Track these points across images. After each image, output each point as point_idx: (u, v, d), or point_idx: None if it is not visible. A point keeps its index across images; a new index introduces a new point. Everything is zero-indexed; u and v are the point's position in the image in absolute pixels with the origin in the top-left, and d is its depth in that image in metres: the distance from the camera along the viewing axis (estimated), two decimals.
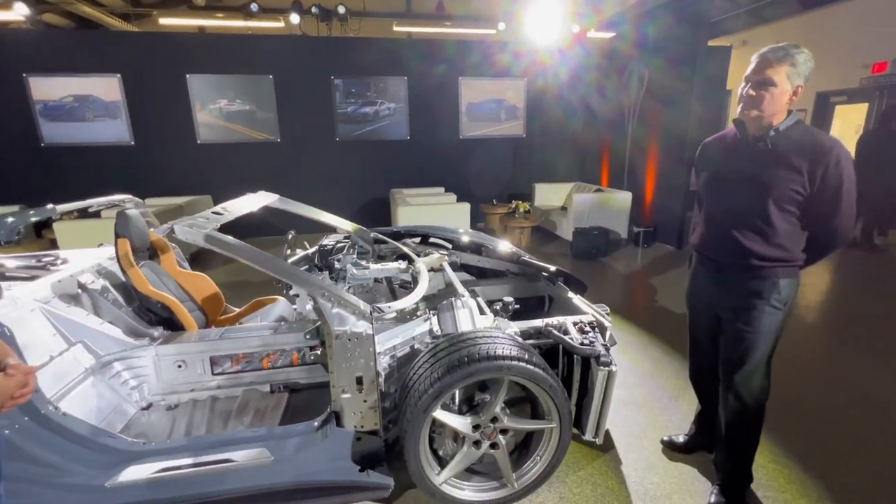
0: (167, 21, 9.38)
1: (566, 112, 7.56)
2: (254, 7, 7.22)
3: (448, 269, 2.57)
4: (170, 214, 5.21)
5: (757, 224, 1.50)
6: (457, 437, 1.71)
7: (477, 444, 1.69)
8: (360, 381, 1.64)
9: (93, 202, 2.30)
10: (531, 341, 1.91)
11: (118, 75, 6.16)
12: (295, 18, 7.49)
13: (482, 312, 2.07)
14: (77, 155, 6.28)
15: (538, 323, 1.99)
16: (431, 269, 2.57)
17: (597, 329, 1.96)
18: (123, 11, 10.32)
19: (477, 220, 6.92)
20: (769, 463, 2.08)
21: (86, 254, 2.49)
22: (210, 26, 10.15)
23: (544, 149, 7.67)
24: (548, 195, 7.06)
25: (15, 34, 6.73)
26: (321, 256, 2.55)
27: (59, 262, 2.32)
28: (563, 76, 7.40)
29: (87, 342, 2.05)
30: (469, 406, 1.74)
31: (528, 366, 1.57)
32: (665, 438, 2.20)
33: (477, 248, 3.01)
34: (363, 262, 2.62)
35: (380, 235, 3.06)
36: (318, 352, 2.03)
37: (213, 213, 1.77)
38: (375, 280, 2.64)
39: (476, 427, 1.66)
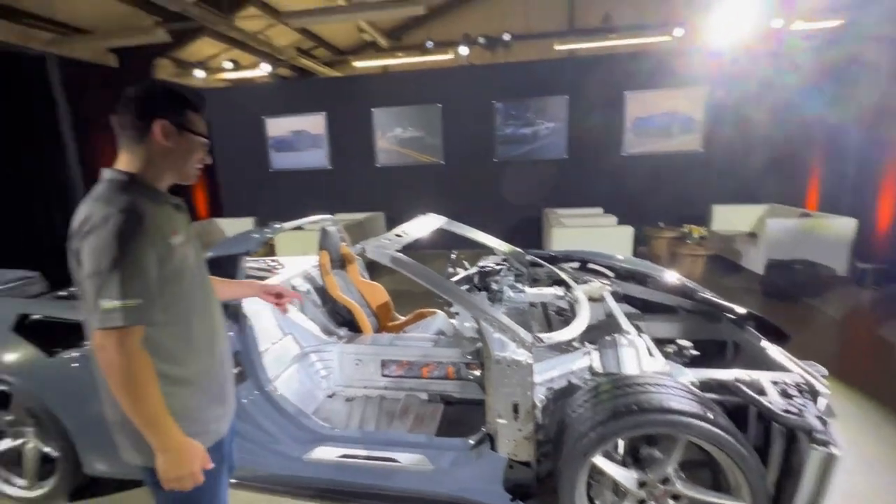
0: (359, 64, 11.13)
1: (759, 121, 6.42)
2: (429, 44, 8.05)
3: (610, 300, 2.41)
4: (352, 229, 6.11)
5: None
6: (617, 489, 1.57)
7: (642, 503, 1.53)
8: (516, 408, 1.65)
9: (304, 221, 2.85)
10: (712, 396, 1.65)
11: (324, 113, 7.56)
12: (464, 50, 8.10)
13: (650, 354, 1.87)
14: (292, 177, 7.89)
15: (723, 375, 1.71)
16: (591, 299, 2.45)
17: (806, 394, 1.59)
18: (329, 60, 12.63)
19: (639, 245, 6.34)
20: None
21: (297, 261, 3.08)
22: (392, 65, 11.69)
23: (727, 165, 6.63)
24: (729, 219, 6.06)
25: (258, 86, 8.86)
26: (480, 277, 2.66)
27: (279, 267, 2.92)
28: (757, 80, 6.31)
29: (294, 335, 2.53)
30: (634, 458, 1.59)
31: (713, 427, 1.36)
32: None
33: (641, 278, 2.75)
34: (519, 286, 2.64)
35: (535, 258, 3.05)
36: (478, 372, 2.11)
37: (396, 235, 2.01)
38: (531, 304, 2.63)
39: (642, 484, 1.50)
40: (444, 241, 6.27)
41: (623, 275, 2.82)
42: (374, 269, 3.27)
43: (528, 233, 6.99)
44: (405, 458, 1.75)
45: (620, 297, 2.76)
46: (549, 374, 1.71)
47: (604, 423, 1.41)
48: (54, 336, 1.91)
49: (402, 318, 3.20)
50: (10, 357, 1.84)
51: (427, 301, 4.48)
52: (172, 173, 1.15)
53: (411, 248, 1.97)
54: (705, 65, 6.45)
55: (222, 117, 8.02)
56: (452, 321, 3.07)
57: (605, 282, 2.66)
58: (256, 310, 2.19)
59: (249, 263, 2.91)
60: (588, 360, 1.81)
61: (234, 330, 1.93)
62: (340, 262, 3.10)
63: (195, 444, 1.08)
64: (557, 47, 9.25)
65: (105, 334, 0.96)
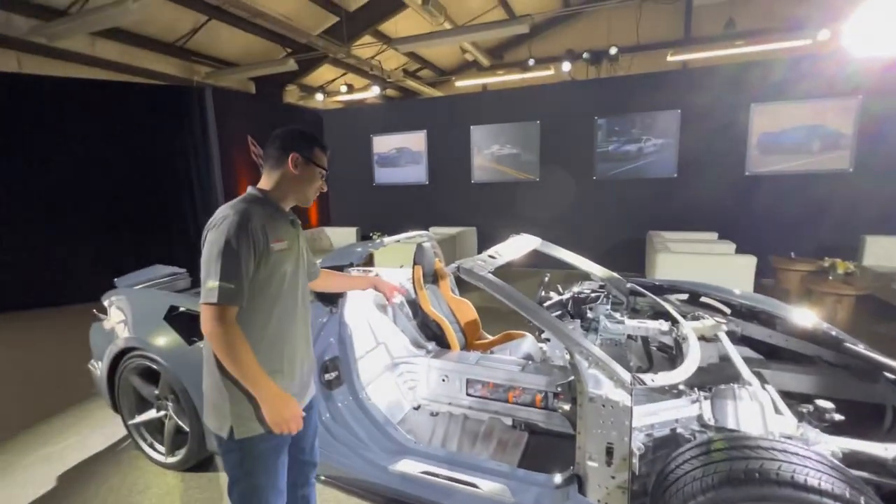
0: (461, 83, 11.51)
1: None
2: (531, 62, 8.03)
3: (725, 341, 2.13)
4: (445, 243, 6.26)
5: None
6: None
7: None
8: (609, 452, 1.52)
9: (402, 237, 2.98)
10: (862, 474, 1.35)
11: (424, 131, 7.92)
12: (566, 66, 7.94)
13: (777, 411, 1.61)
14: (392, 191, 8.37)
15: (878, 449, 1.40)
16: (702, 338, 2.19)
17: None
18: (433, 80, 13.26)
19: (762, 277, 5.56)
20: None
21: (393, 273, 3.23)
22: (492, 83, 11.90)
23: (885, 188, 5.54)
24: (888, 252, 5.04)
25: (367, 107, 9.59)
26: (574, 304, 2.53)
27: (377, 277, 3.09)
28: None
29: (386, 345, 2.64)
30: None
31: None
32: None
33: (767, 319, 2.40)
34: (617, 315, 2.46)
35: (637, 287, 2.82)
36: (567, 406, 2.00)
37: (490, 256, 2.00)
38: (629, 337, 2.43)
39: None
40: (536, 261, 6.12)
41: (743, 313, 2.48)
42: (463, 285, 3.30)
43: (628, 257, 6.52)
44: (486, 486, 1.71)
45: (738, 339, 2.43)
46: (650, 419, 1.55)
47: (716, 488, 1.23)
48: (194, 327, 2.22)
49: (490, 338, 3.17)
50: (161, 341, 2.19)
51: (516, 322, 4.40)
52: (295, 195, 1.44)
53: (502, 266, 1.95)
54: (858, 72, 5.51)
55: (336, 135, 8.84)
56: (542, 346, 2.96)
57: (721, 319, 2.36)
58: (355, 319, 2.33)
59: (351, 272, 3.12)
60: (697, 408, 1.61)
61: (334, 336, 2.08)
62: (433, 278, 3.18)
63: (290, 396, 1.32)
64: (671, 58, 8.62)
65: (206, 308, 1.21)
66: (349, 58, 9.42)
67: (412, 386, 2.63)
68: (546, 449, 2.21)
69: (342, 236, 7.86)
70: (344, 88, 10.84)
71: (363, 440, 1.95)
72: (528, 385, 2.37)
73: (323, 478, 2.05)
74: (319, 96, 11.17)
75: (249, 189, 1.40)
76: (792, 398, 2.00)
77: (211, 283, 1.20)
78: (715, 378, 1.83)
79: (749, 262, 4.25)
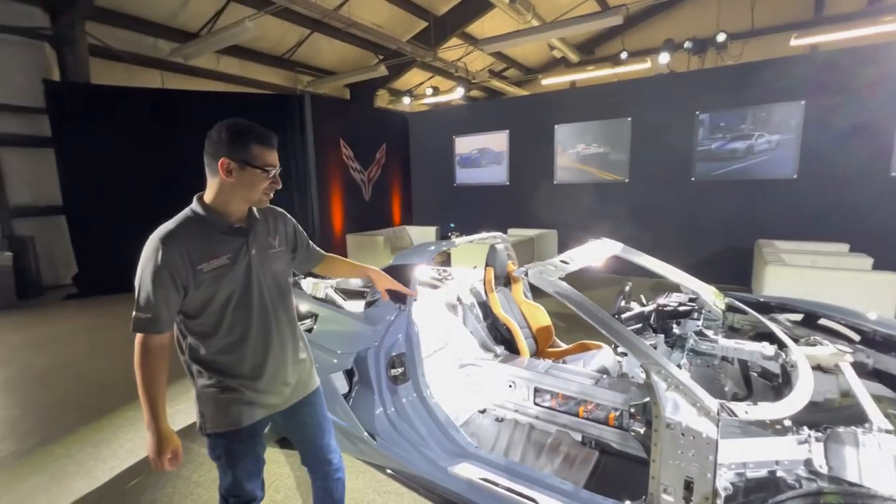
0: (548, 81, 11.18)
1: None
2: (623, 55, 7.54)
3: (849, 374, 1.79)
4: (524, 245, 6.13)
5: None
6: None
7: None
8: (689, 487, 1.35)
9: (476, 237, 2.96)
10: None
11: (507, 131, 7.83)
12: (664, 58, 7.32)
13: None
14: (472, 191, 8.41)
15: None
16: (818, 367, 1.86)
17: None
18: (519, 79, 13.08)
19: None
20: None
21: (465, 273, 3.23)
22: (580, 80, 11.39)
23: None
24: None
25: (451, 108, 9.73)
26: (659, 317, 2.30)
27: (450, 277, 3.11)
28: None
29: (454, 346, 2.64)
30: None
31: None
32: None
33: None
34: (709, 333, 2.19)
35: (736, 303, 2.49)
36: (641, 430, 1.83)
37: (562, 261, 1.90)
38: (723, 358, 2.16)
39: None
40: (620, 269, 5.75)
41: (877, 342, 2.07)
42: (537, 290, 3.19)
43: (731, 269, 5.82)
44: (546, 503, 1.62)
45: (868, 373, 2.03)
46: (742, 456, 1.35)
47: None
48: None
49: (563, 347, 3.03)
50: None
51: (594, 332, 4.16)
52: (240, 201, 1.33)
53: (579, 272, 1.83)
54: None
55: (420, 137, 9.11)
56: (619, 360, 2.75)
57: (845, 347, 1.99)
58: (424, 318, 2.36)
59: (427, 272, 3.17)
60: (806, 451, 1.36)
61: (401, 333, 2.12)
62: (506, 280, 3.12)
63: (172, 438, 1.32)
64: (795, 42, 7.52)
65: (134, 334, 1.27)
66: (436, 61, 9.65)
67: (478, 389, 2.60)
68: (617, 472, 2.04)
69: (422, 235, 8.07)
70: (430, 91, 11.14)
71: (425, 438, 1.97)
72: (602, 401, 2.21)
73: (389, 471, 2.10)
74: (407, 100, 11.61)
75: (193, 202, 1.33)
76: None
77: (133, 311, 1.25)
78: (832, 417, 1.54)
79: (891, 281, 3.54)
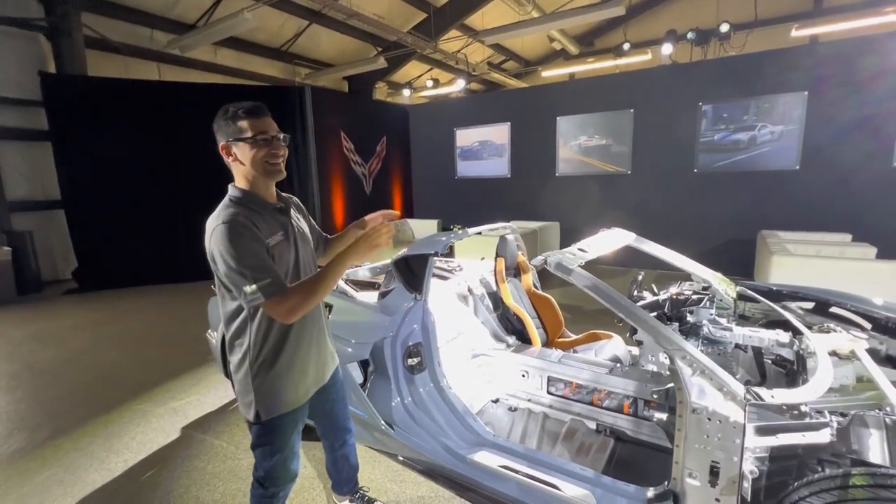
0: (547, 73, 11.13)
1: None
2: (625, 46, 7.51)
3: (866, 359, 1.80)
4: (526, 237, 6.11)
5: None
6: None
7: None
8: (714, 471, 1.36)
9: (485, 228, 2.95)
10: None
11: (508, 123, 7.79)
12: (667, 49, 7.30)
13: None
14: (473, 184, 8.38)
15: None
16: (833, 353, 1.87)
17: None
18: (518, 71, 13.00)
19: None
20: None
21: (474, 265, 3.22)
22: (580, 72, 11.35)
23: None
24: None
25: (451, 101, 9.68)
26: (672, 305, 2.31)
27: (459, 269, 3.10)
28: None
29: (466, 335, 2.65)
30: None
31: None
32: None
33: None
34: (722, 321, 2.20)
35: (747, 291, 2.50)
36: (664, 416, 1.84)
37: (580, 249, 1.89)
38: (736, 345, 2.17)
39: None
40: (626, 259, 5.76)
41: (889, 328, 2.09)
42: (544, 281, 3.21)
43: (733, 260, 5.83)
44: (569, 489, 1.63)
45: (882, 359, 2.05)
46: (767, 440, 1.36)
47: None
48: None
49: (573, 337, 3.04)
50: None
51: (599, 322, 4.17)
52: (257, 178, 1.35)
53: (586, 262, 1.83)
54: None
55: (421, 129, 9.06)
56: (631, 349, 2.77)
57: (860, 334, 2.00)
58: (437, 308, 2.36)
59: (437, 264, 3.16)
60: (828, 434, 1.37)
61: (417, 323, 2.12)
62: (515, 271, 3.12)
63: (364, 235, 1.34)
64: (796, 33, 7.52)
65: (265, 308, 1.27)
66: (436, 52, 9.58)
67: (490, 379, 2.61)
68: (634, 459, 2.06)
69: (424, 228, 8.06)
70: (430, 83, 11.07)
71: (442, 427, 1.97)
72: (616, 389, 2.22)
73: (402, 458, 2.11)
74: (406, 92, 11.53)
75: (229, 188, 1.38)
76: None
77: (248, 288, 1.21)
78: (849, 402, 1.55)
79: (895, 270, 3.56)
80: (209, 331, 2.91)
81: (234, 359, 1.40)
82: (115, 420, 2.89)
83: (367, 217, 1.67)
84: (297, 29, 9.37)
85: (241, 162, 1.32)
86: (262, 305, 1.25)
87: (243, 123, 1.30)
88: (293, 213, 1.48)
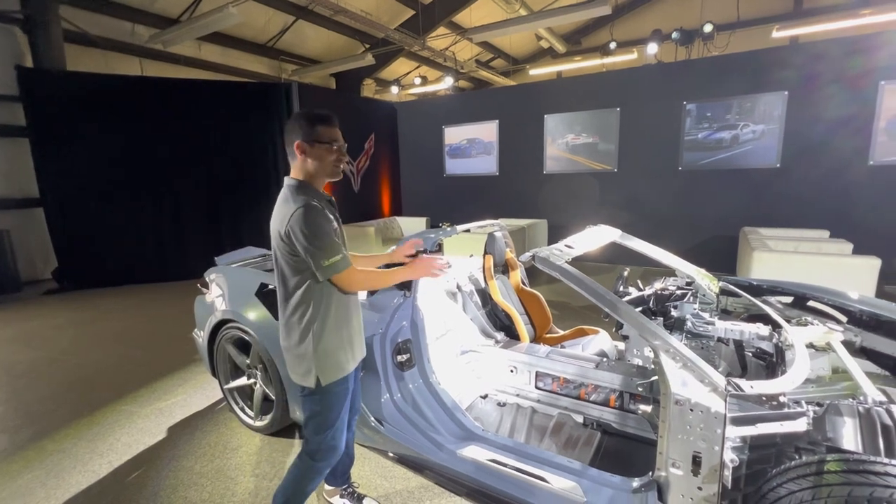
0: (535, 71, 11.18)
1: None
2: (612, 45, 7.58)
3: (841, 351, 1.86)
4: (514, 235, 6.15)
5: None
6: None
7: None
8: (696, 461, 1.40)
9: (473, 225, 2.97)
10: None
11: (496, 121, 7.82)
12: (652, 48, 7.39)
13: None
14: (462, 182, 8.40)
15: None
16: (811, 346, 1.93)
17: None
18: (506, 69, 13.04)
19: (886, 283, 4.80)
20: None
21: (463, 262, 3.24)
22: (567, 70, 11.42)
23: None
24: None
25: (439, 98, 9.67)
26: (657, 300, 2.36)
27: (449, 266, 3.11)
28: None
29: (455, 332, 2.66)
30: None
31: None
32: None
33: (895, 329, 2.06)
34: (705, 315, 2.26)
35: (729, 286, 2.56)
36: (648, 408, 1.88)
37: (567, 246, 1.92)
38: (719, 339, 2.22)
39: None
40: (612, 256, 5.82)
41: (864, 321, 2.16)
42: (532, 277, 3.25)
43: (717, 256, 5.97)
44: (556, 481, 1.66)
45: (857, 351, 2.12)
46: (746, 431, 1.40)
47: None
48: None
49: (561, 332, 3.07)
50: (253, 315, 2.39)
51: (586, 318, 4.22)
52: (320, 176, 1.57)
53: (573, 259, 1.86)
54: None
55: (409, 127, 9.03)
56: (617, 344, 2.82)
57: (835, 327, 2.07)
58: (426, 305, 2.37)
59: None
60: (804, 423, 1.42)
61: (406, 320, 2.13)
62: (503, 268, 3.15)
63: (412, 267, 1.74)
64: (777, 34, 7.67)
65: (336, 279, 1.52)
66: (424, 50, 9.55)
67: (478, 375, 2.64)
68: (619, 451, 2.10)
69: (413, 226, 8.05)
70: (418, 81, 11.04)
71: (432, 423, 1.99)
72: (602, 383, 2.26)
73: (391, 454, 2.12)
74: (395, 89, 11.48)
75: (288, 180, 1.55)
76: None
77: (326, 262, 1.45)
78: (825, 392, 1.61)
79: (871, 265, 3.68)
80: (195, 330, 2.88)
81: (293, 333, 1.57)
82: (100, 421, 2.84)
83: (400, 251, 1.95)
84: (284, 24, 9.26)
85: (312, 160, 1.53)
86: (335, 276, 1.49)
87: (322, 130, 1.52)
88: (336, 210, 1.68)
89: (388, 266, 1.91)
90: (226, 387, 2.70)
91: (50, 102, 5.93)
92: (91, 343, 4.24)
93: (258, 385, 2.53)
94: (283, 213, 1.48)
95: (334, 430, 1.62)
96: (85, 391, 3.25)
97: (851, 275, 3.74)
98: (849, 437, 1.34)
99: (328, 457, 1.64)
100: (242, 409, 2.67)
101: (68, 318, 5.02)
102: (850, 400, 1.44)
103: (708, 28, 7.41)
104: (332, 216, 1.57)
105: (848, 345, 2.03)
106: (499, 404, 2.49)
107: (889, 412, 1.38)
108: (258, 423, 2.57)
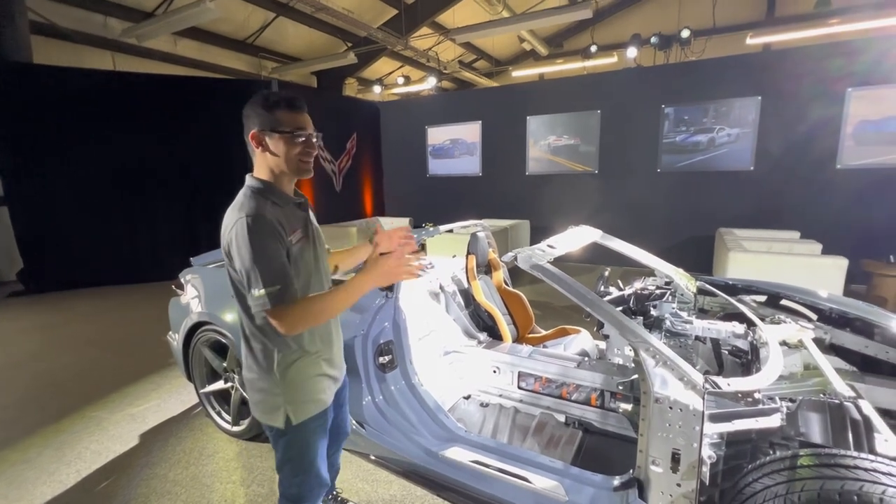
0: (518, 73, 11.26)
1: None
2: (593, 49, 7.68)
3: (812, 349, 1.92)
4: (497, 235, 6.18)
5: None
6: None
7: None
8: (676, 458, 1.42)
9: (456, 225, 2.96)
10: None
11: (479, 122, 7.84)
12: (632, 52, 7.53)
13: (874, 429, 1.42)
14: (445, 182, 8.39)
15: None
16: (783, 343, 1.99)
17: None
18: (488, 71, 13.10)
19: (852, 282, 4.99)
20: None
21: (446, 262, 3.22)
22: (549, 72, 11.54)
23: None
24: None
25: (423, 98, 9.64)
26: (637, 300, 2.39)
27: (431, 266, 3.09)
28: None
29: (438, 333, 2.65)
30: None
31: None
32: None
33: (863, 327, 2.14)
34: (683, 315, 2.30)
35: (706, 286, 2.62)
36: (628, 406, 1.90)
37: (549, 246, 1.93)
38: (696, 338, 2.27)
39: None
40: (593, 256, 5.89)
41: (833, 319, 2.23)
42: (515, 278, 3.27)
43: (694, 256, 6.09)
44: (538, 481, 1.66)
45: (826, 348, 2.19)
46: (723, 427, 1.42)
47: None
48: None
49: (543, 332, 3.09)
50: (230, 317, 2.33)
51: (568, 318, 4.26)
52: (286, 173, 1.28)
53: (554, 260, 1.87)
54: None
55: (392, 127, 8.99)
56: (598, 343, 2.84)
57: (807, 325, 2.13)
58: (408, 306, 2.35)
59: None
60: (778, 419, 1.46)
61: (388, 321, 2.10)
62: (486, 268, 3.15)
63: (380, 262, 1.28)
64: (750, 41, 7.90)
65: (268, 315, 1.18)
66: (406, 50, 9.51)
67: (461, 375, 2.63)
68: (601, 449, 2.12)
69: (395, 225, 7.98)
70: (401, 80, 10.98)
71: (414, 424, 1.97)
72: (584, 382, 2.28)
73: (373, 457, 2.09)
74: (377, 89, 11.40)
75: (248, 179, 1.29)
76: (891, 417, 1.78)
77: (257, 292, 1.16)
78: (797, 388, 1.65)
79: (838, 265, 3.82)
80: (170, 332, 2.79)
81: (255, 362, 1.31)
82: (68, 428, 2.72)
83: (379, 236, 1.50)
84: (264, 21, 9.09)
85: (271, 154, 1.25)
86: (266, 313, 1.17)
87: (282, 115, 1.23)
88: (308, 208, 1.40)
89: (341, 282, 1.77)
90: (202, 391, 2.62)
91: (15, 97, 5.68)
92: (59, 347, 4.07)
93: (235, 389, 2.46)
94: (228, 221, 1.22)
95: (315, 468, 1.39)
96: (52, 397, 3.12)
97: (820, 274, 3.87)
98: (820, 431, 1.38)
99: (314, 496, 1.43)
100: (219, 414, 2.60)
101: (34, 322, 4.81)
102: (821, 395, 1.48)
103: (685, 33, 7.58)
104: (297, 227, 1.28)
105: (818, 342, 2.09)
106: (482, 405, 2.48)
107: (857, 407, 1.42)
108: (235, 429, 2.51)
